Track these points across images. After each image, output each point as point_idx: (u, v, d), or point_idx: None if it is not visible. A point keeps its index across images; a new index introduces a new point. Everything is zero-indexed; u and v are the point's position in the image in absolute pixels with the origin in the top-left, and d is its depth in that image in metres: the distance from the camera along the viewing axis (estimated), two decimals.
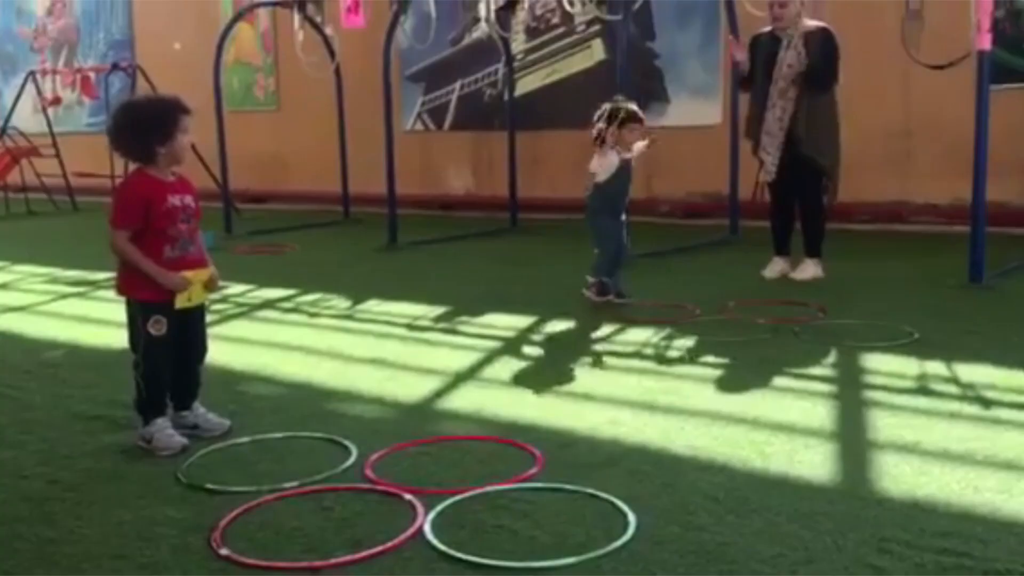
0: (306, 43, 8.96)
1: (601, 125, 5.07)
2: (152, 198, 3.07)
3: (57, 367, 4.26)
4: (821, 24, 5.66)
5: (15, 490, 2.82)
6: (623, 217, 5.22)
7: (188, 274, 3.12)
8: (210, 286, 3.24)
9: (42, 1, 14.36)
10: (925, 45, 6.15)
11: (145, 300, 3.09)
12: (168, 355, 3.13)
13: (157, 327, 3.08)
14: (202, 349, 3.30)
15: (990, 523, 2.37)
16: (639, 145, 5.15)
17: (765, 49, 5.71)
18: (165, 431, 3.11)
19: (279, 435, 3.21)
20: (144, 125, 3.12)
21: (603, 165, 5.09)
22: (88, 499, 2.73)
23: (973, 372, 3.67)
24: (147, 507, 2.65)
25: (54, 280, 6.64)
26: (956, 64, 5.76)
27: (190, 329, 3.21)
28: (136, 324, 3.13)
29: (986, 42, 5.12)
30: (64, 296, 6.04)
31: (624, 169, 5.11)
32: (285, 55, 10.83)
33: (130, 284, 3.13)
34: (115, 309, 4.93)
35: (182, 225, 3.13)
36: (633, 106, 5.15)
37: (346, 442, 3.09)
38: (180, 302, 3.11)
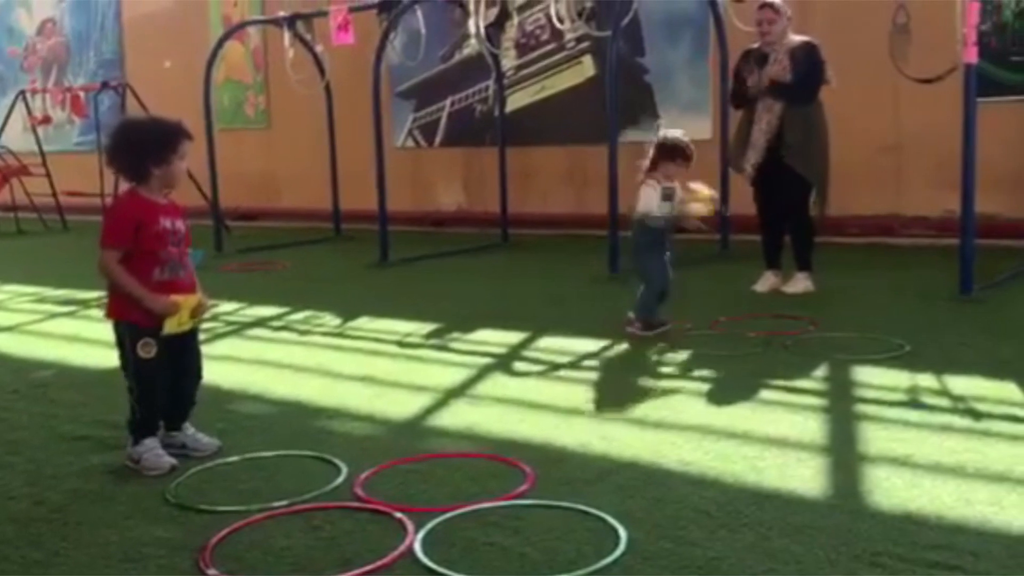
0: (296, 61, 8.98)
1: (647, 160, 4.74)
2: (143, 219, 3.05)
3: (45, 387, 4.23)
4: (806, 39, 5.69)
5: (1, 511, 2.80)
6: (667, 254, 4.86)
7: (177, 298, 3.08)
8: (198, 312, 3.18)
9: (32, 20, 14.38)
10: (913, 59, 6.19)
11: (134, 323, 3.06)
12: (161, 377, 3.10)
13: (146, 350, 3.05)
14: (197, 373, 3.27)
15: (981, 535, 2.36)
16: (698, 207, 4.74)
17: (754, 64, 5.74)
18: (154, 451, 3.09)
19: (268, 454, 3.19)
20: (142, 145, 3.10)
21: (643, 198, 4.72)
22: (75, 520, 2.71)
23: (964, 384, 3.67)
24: (135, 528, 2.63)
25: (43, 300, 6.62)
26: (944, 78, 5.79)
27: (185, 354, 3.18)
28: (125, 347, 3.10)
29: (972, 55, 5.15)
30: (53, 316, 6.01)
31: (666, 202, 4.71)
32: (275, 73, 10.85)
33: (119, 306, 3.10)
34: (104, 329, 4.90)
35: (172, 248, 3.10)
36: (678, 134, 4.77)
37: (336, 460, 3.07)
38: (169, 327, 3.06)
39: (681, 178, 4.78)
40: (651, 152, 4.73)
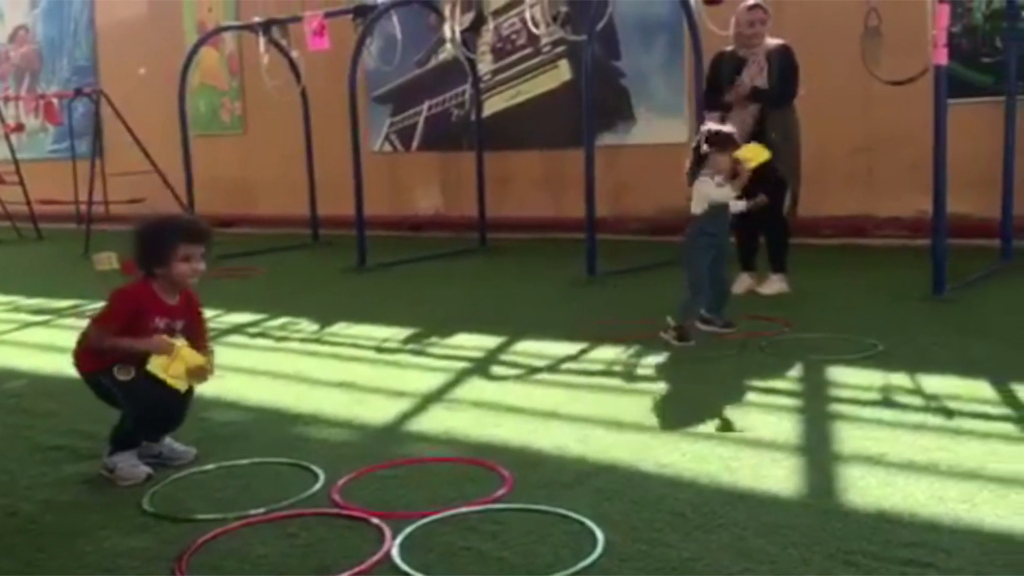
0: (272, 66, 8.95)
1: (694, 157, 4.63)
2: (141, 312, 3.03)
3: (19, 397, 4.19)
4: (782, 42, 5.75)
5: None
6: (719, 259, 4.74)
7: (176, 342, 3.02)
8: (196, 374, 3.06)
9: (4, 28, 14.25)
10: (885, 61, 6.25)
11: (107, 364, 3.03)
12: (153, 394, 3.03)
13: (124, 372, 3.02)
14: (187, 395, 3.20)
15: (954, 533, 2.39)
16: (749, 161, 4.63)
17: (729, 68, 5.78)
18: (129, 461, 3.07)
19: (245, 461, 3.18)
20: (143, 246, 3.08)
21: (699, 191, 4.60)
22: (49, 530, 2.69)
23: (936, 383, 3.71)
24: (110, 537, 2.61)
25: (16, 308, 6.56)
26: (915, 80, 5.85)
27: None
28: (105, 389, 3.08)
29: (942, 57, 5.21)
30: (27, 325, 5.96)
31: (723, 187, 4.61)
32: (251, 79, 10.81)
33: (88, 359, 3.08)
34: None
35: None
36: (729, 129, 4.72)
37: (313, 467, 3.06)
38: (155, 367, 2.97)
39: (729, 162, 4.62)
40: (699, 147, 4.59)
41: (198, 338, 3.17)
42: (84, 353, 3.11)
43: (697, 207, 4.63)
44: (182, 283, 3.11)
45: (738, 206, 4.71)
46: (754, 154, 4.74)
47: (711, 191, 4.59)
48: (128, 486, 2.99)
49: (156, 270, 3.07)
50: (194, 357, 3.04)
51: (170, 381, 3.01)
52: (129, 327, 3.02)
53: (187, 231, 3.10)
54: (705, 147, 4.59)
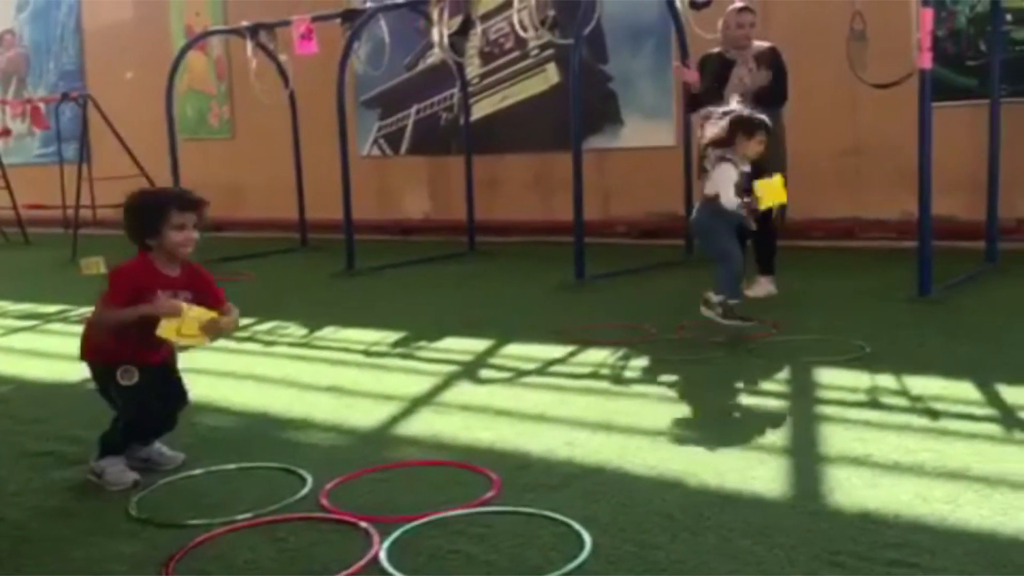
0: (260, 70, 8.94)
1: (715, 132, 4.46)
2: (143, 287, 3.00)
3: (5, 403, 4.18)
4: (770, 44, 5.79)
5: None
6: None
7: (183, 305, 2.97)
8: (210, 329, 3.02)
9: None
10: (871, 65, 6.28)
11: (111, 360, 3.02)
12: (152, 403, 3.04)
13: (126, 377, 3.01)
14: (181, 395, 3.22)
15: (939, 533, 2.40)
16: (766, 199, 4.52)
17: (714, 68, 5.81)
18: (117, 466, 3.06)
19: (233, 466, 3.18)
20: (134, 217, 3.07)
21: (721, 176, 4.44)
22: (36, 537, 2.68)
23: (922, 384, 3.74)
24: (97, 543, 2.60)
25: (3, 314, 6.52)
26: (900, 83, 5.89)
27: (168, 383, 3.16)
28: (108, 387, 3.06)
29: (927, 61, 5.25)
30: (14, 330, 5.93)
31: (742, 183, 4.51)
32: (239, 83, 10.80)
33: (92, 347, 3.07)
34: (66, 343, 4.86)
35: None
36: (759, 115, 4.56)
37: (301, 471, 3.06)
38: (167, 332, 2.93)
39: (757, 147, 4.53)
40: (724, 126, 4.45)
41: (216, 304, 3.09)
42: (91, 343, 3.07)
43: (713, 190, 4.50)
44: (177, 253, 3.06)
45: (735, 204, 4.51)
46: (770, 195, 4.51)
47: (728, 186, 4.41)
48: (117, 491, 2.98)
49: (149, 241, 3.02)
50: (204, 312, 2.99)
51: (186, 342, 2.98)
52: (134, 303, 2.96)
53: (178, 198, 3.07)
54: (728, 128, 4.41)
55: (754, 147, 4.50)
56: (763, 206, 4.53)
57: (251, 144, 11.24)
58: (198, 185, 3.27)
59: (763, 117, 4.57)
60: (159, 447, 3.22)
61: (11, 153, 12.75)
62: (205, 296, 3.11)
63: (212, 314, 3.03)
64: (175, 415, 3.20)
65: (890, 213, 7.62)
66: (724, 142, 4.50)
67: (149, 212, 3.04)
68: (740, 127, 4.47)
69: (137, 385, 3.02)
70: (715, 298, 4.55)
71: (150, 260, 3.06)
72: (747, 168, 4.50)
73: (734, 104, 4.58)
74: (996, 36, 6.63)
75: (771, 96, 5.63)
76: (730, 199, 4.45)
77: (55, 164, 11.80)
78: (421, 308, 6.07)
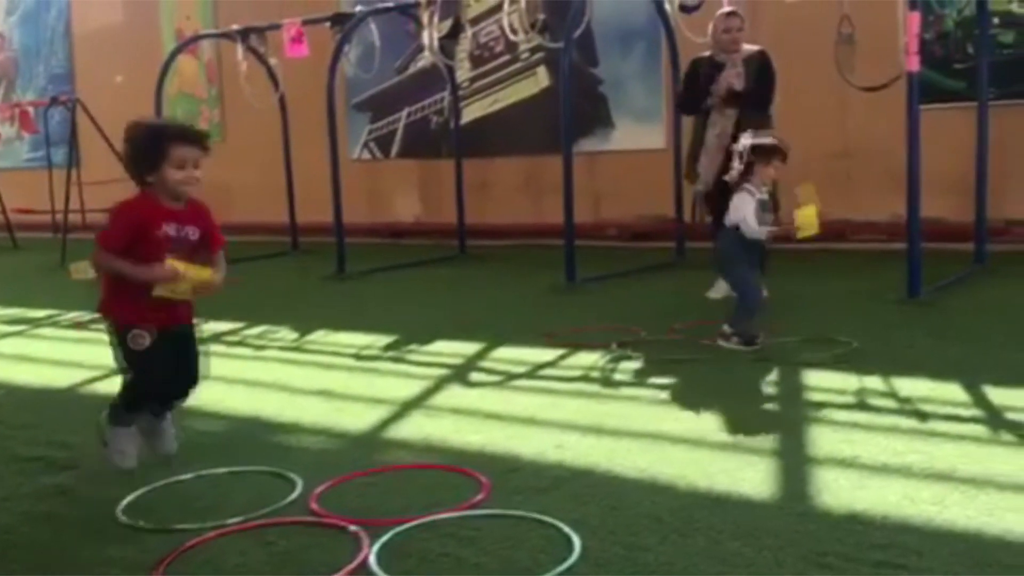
0: (250, 74, 8.94)
1: (738, 168, 4.54)
2: (145, 223, 2.88)
3: None
4: (759, 48, 5.81)
5: None
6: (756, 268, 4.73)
7: (178, 265, 2.89)
8: (200, 289, 2.98)
9: None
10: (859, 68, 6.31)
11: (126, 322, 2.97)
12: (160, 370, 3.00)
13: (137, 341, 2.94)
14: (193, 375, 3.17)
15: (925, 534, 2.42)
16: (805, 228, 4.53)
17: (706, 72, 5.84)
18: (123, 443, 3.06)
19: (223, 470, 3.17)
20: (133, 151, 2.94)
21: (737, 205, 4.52)
22: (26, 542, 2.67)
23: (911, 386, 3.75)
24: (86, 548, 2.60)
25: None
26: (888, 86, 5.91)
27: (180, 357, 3.11)
28: (118, 346, 3.02)
29: (915, 64, 5.28)
30: (3, 336, 5.90)
31: (760, 209, 4.54)
32: (229, 86, 10.79)
33: (110, 303, 3.00)
34: (55, 348, 4.85)
35: (170, 257, 2.91)
36: (772, 140, 4.61)
37: (291, 475, 3.06)
38: (160, 289, 2.89)
39: (779, 176, 4.61)
40: (743, 157, 4.52)
41: (213, 250, 3.03)
42: (105, 294, 3.00)
43: (734, 220, 4.53)
44: (178, 192, 2.92)
45: (760, 233, 4.56)
46: (807, 224, 4.52)
47: (748, 213, 4.47)
48: (112, 465, 3.00)
49: (148, 177, 2.89)
50: (199, 272, 2.94)
51: (175, 296, 2.95)
52: (135, 242, 2.86)
53: (180, 132, 2.93)
54: (746, 158, 4.48)
55: (771, 173, 4.59)
56: (800, 236, 4.57)
57: (242, 148, 11.22)
58: None
59: (776, 142, 4.59)
60: (166, 426, 3.21)
61: (0, 157, 12.71)
62: (208, 238, 3.04)
63: (206, 275, 2.95)
64: (183, 390, 3.18)
65: (880, 215, 7.66)
66: (744, 173, 4.57)
67: (148, 146, 2.89)
68: (758, 156, 4.53)
69: (149, 352, 2.96)
70: (729, 330, 4.59)
71: (151, 194, 2.92)
72: (764, 196, 4.57)
73: (746, 139, 4.61)
74: (983, 39, 6.67)
75: (758, 99, 5.67)
76: (752, 228, 4.52)
77: (44, 168, 11.77)
78: (412, 311, 6.08)
